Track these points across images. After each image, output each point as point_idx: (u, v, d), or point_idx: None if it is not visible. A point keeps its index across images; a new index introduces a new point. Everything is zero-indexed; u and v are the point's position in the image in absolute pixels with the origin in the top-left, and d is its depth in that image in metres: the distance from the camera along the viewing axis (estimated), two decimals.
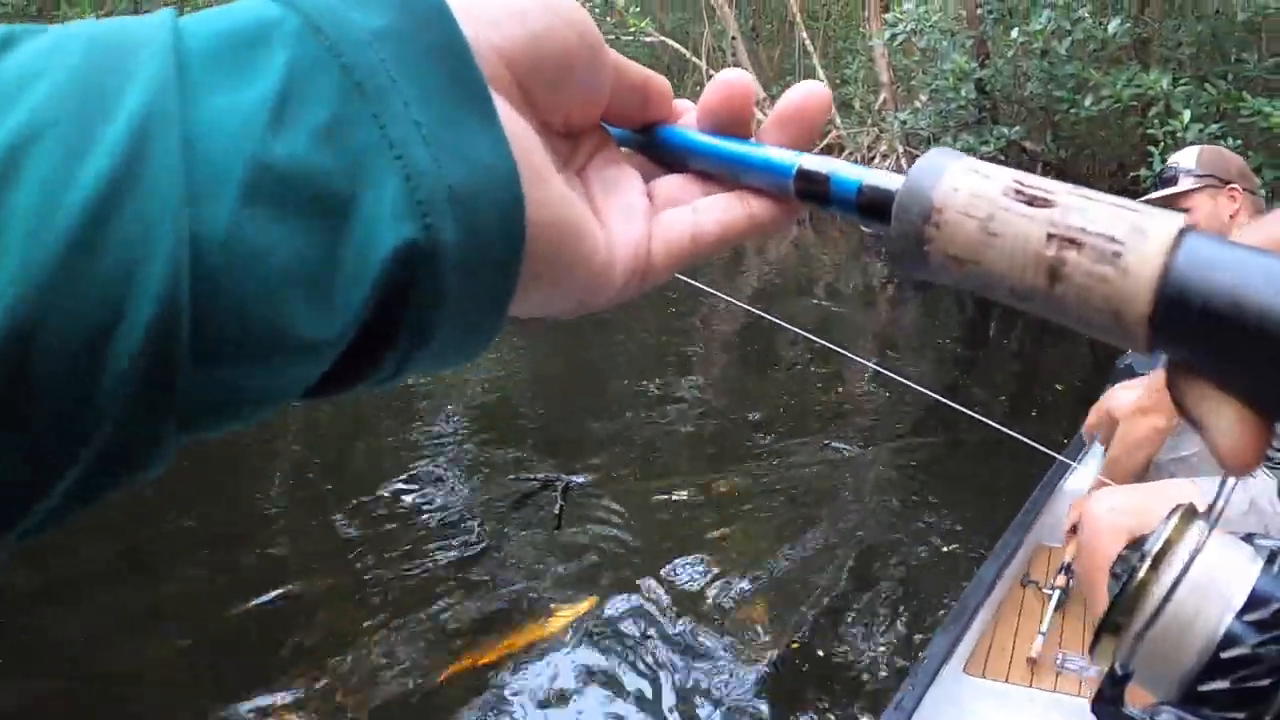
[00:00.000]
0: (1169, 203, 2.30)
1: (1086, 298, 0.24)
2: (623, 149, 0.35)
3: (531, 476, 3.97)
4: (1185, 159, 2.33)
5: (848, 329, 6.97)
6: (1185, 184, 2.28)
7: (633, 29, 14.16)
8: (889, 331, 7.10)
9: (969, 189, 0.26)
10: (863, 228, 0.24)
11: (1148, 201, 2.43)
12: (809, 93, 0.33)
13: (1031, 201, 0.25)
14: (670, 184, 0.34)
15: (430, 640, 2.86)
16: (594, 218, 0.30)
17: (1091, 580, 1.95)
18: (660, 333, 6.38)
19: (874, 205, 0.29)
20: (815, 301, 7.59)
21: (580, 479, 3.96)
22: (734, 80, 0.34)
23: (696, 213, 0.33)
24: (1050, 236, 0.24)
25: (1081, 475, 2.85)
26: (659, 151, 0.35)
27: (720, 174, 0.34)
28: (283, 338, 0.21)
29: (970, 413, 2.13)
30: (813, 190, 0.31)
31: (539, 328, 5.37)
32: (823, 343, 3.42)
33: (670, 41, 14.03)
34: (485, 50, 0.26)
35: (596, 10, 14.53)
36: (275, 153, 0.21)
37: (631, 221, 0.32)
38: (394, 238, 0.22)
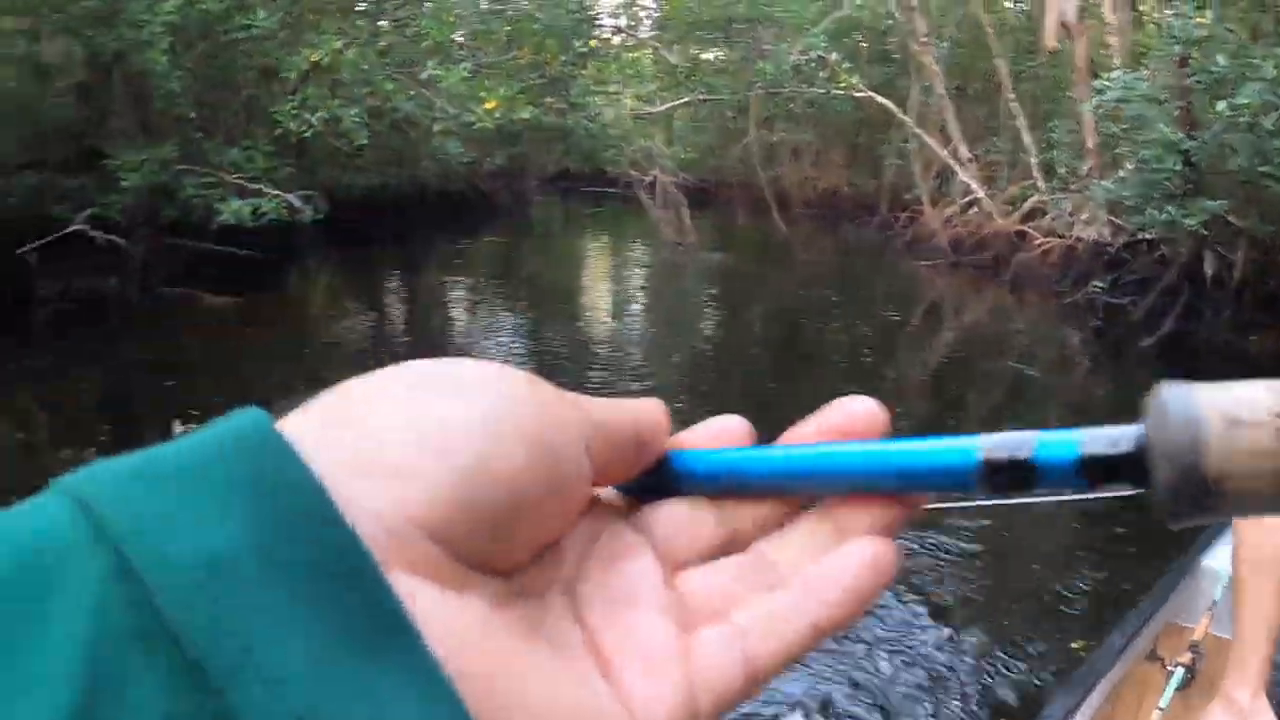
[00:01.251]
0: None
1: None
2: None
3: None
4: None
5: (1038, 395, 7.35)
6: None
7: (842, 84, 14.84)
8: (1081, 400, 7.41)
9: (1246, 448, 0.21)
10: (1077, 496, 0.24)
11: None
12: (864, 409, 0.25)
13: None
14: (707, 580, 0.24)
15: None
16: (603, 690, 0.21)
17: (1243, 584, 1.84)
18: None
19: (1107, 472, 0.23)
20: (1009, 364, 7.98)
21: None
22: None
23: (745, 636, 0.23)
24: None
25: (1221, 553, 2.66)
26: (678, 487, 0.26)
27: (794, 493, 0.26)
28: None
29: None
30: (1012, 478, 0.24)
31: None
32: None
33: (878, 97, 14.61)
34: (395, 523, 0.18)
35: (811, 65, 14.90)
36: None
37: (661, 676, 0.21)
38: None
